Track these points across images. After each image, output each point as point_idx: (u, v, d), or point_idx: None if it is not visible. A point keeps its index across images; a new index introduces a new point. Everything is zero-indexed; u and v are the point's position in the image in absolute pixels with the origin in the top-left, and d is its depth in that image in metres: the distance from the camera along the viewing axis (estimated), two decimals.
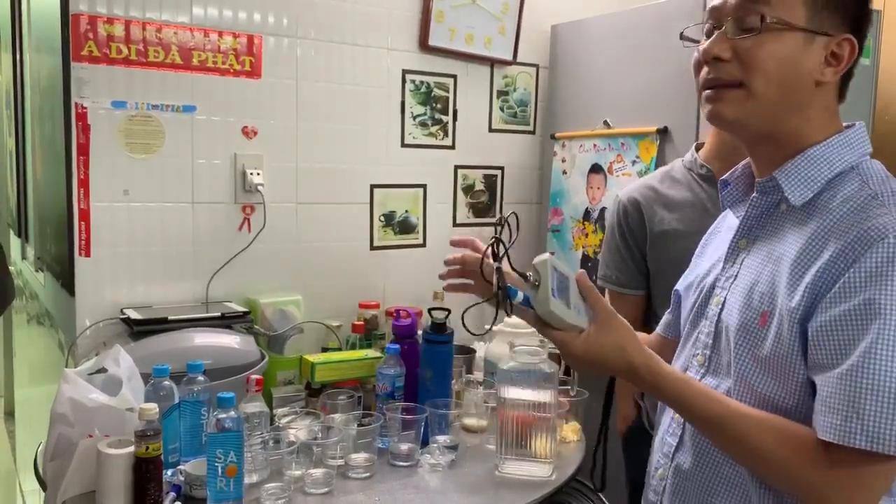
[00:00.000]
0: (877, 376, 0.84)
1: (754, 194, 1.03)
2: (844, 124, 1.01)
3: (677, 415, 1.08)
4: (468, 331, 1.12)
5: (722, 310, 1.04)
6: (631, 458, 1.93)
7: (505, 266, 1.09)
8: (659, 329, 1.31)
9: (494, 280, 1.01)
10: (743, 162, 1.12)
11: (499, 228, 1.07)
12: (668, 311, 1.28)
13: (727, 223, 1.16)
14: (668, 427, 1.12)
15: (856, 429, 0.84)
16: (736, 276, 1.04)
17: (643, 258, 1.77)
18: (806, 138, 0.98)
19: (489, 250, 1.05)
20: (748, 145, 1.06)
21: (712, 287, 1.08)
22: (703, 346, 1.07)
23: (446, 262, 1.39)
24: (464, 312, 1.10)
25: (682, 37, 1.08)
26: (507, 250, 1.04)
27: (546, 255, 1.02)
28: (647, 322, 1.79)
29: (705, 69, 1.00)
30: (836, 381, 0.87)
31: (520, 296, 1.03)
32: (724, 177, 1.12)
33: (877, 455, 0.84)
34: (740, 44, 0.96)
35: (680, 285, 1.23)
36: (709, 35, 1.01)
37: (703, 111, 1.03)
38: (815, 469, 0.88)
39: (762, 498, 0.97)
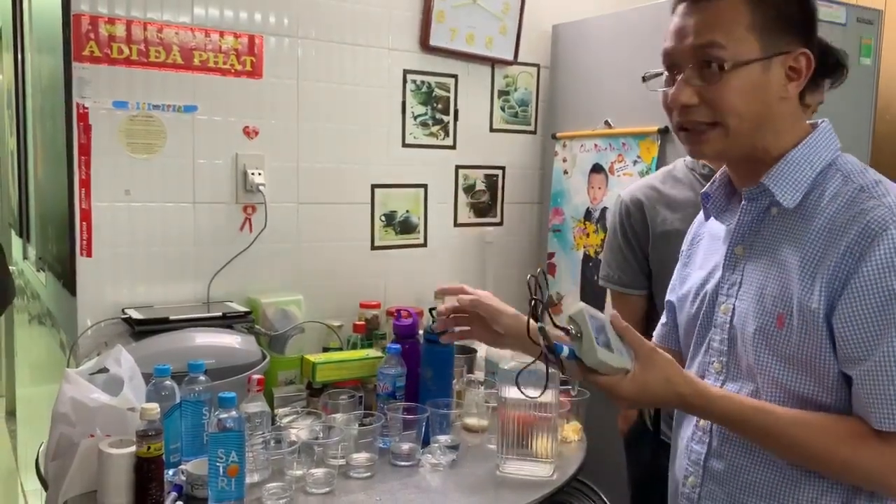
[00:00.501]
0: None
1: (743, 202, 1.06)
2: (808, 122, 1.05)
3: (702, 422, 1.11)
4: (524, 394, 1.15)
5: (733, 317, 1.06)
6: (632, 458, 1.93)
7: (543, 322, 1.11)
8: (656, 339, 1.32)
9: (540, 341, 1.03)
10: (719, 172, 1.15)
11: (532, 288, 1.09)
12: (663, 322, 1.30)
13: (708, 231, 1.18)
14: (692, 435, 1.14)
15: None
16: (740, 283, 1.06)
17: (645, 258, 1.77)
18: (781, 146, 1.02)
19: (530, 313, 1.08)
20: (728, 165, 1.11)
21: (715, 295, 1.10)
22: (717, 354, 1.09)
23: (439, 314, 1.42)
24: (518, 375, 1.12)
25: (644, 80, 1.11)
26: (546, 309, 1.07)
27: (581, 305, 1.03)
28: (648, 321, 1.79)
29: (675, 113, 1.04)
30: (872, 372, 0.91)
31: (565, 350, 1.04)
32: (704, 190, 1.16)
33: None
34: (704, 91, 0.99)
35: (672, 296, 1.25)
36: (669, 71, 1.04)
37: (685, 148, 1.07)
38: (875, 459, 0.92)
39: (797, 493, 0.99)
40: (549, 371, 1.05)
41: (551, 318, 1.06)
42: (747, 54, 0.97)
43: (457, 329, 1.45)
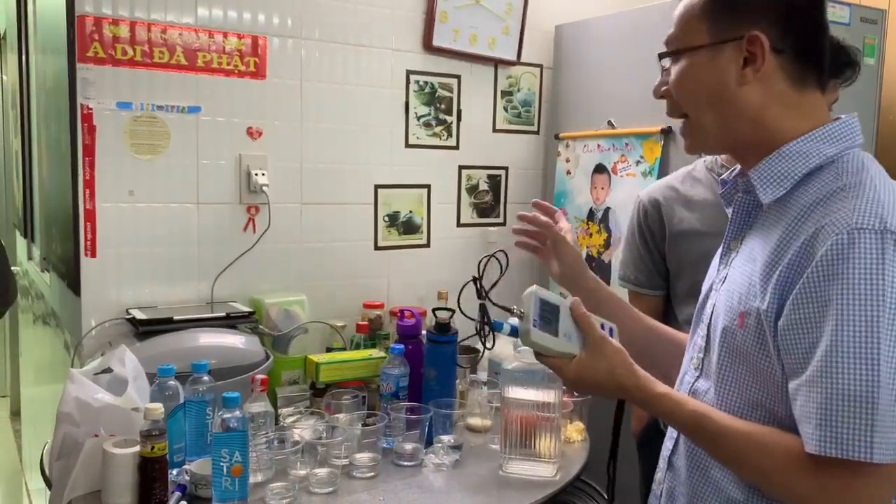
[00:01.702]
0: (838, 383, 0.82)
1: (739, 194, 1.03)
2: (836, 117, 0.97)
3: None
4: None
5: (713, 312, 1.03)
6: (645, 460, 1.92)
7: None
8: None
9: (478, 316, 1.08)
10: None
11: (482, 268, 1.14)
12: None
13: None
14: (668, 431, 1.13)
15: (827, 438, 0.82)
16: (725, 278, 1.02)
17: (662, 258, 1.76)
18: (778, 137, 0.96)
19: (475, 286, 1.13)
20: (733, 157, 1.08)
21: (709, 290, 1.08)
22: (697, 350, 1.07)
23: (519, 217, 1.39)
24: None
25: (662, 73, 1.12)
26: (487, 291, 1.13)
27: (533, 288, 1.07)
28: (666, 322, 1.78)
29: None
30: (803, 388, 0.85)
31: (506, 327, 1.09)
32: (723, 176, 1.12)
33: (860, 463, 0.81)
34: (669, 79, 1.02)
35: None
36: None
37: None
38: (805, 480, 0.85)
39: (749, 500, 0.95)
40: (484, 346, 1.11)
41: (489, 298, 1.13)
42: (694, 42, 0.98)
43: (526, 241, 1.39)
